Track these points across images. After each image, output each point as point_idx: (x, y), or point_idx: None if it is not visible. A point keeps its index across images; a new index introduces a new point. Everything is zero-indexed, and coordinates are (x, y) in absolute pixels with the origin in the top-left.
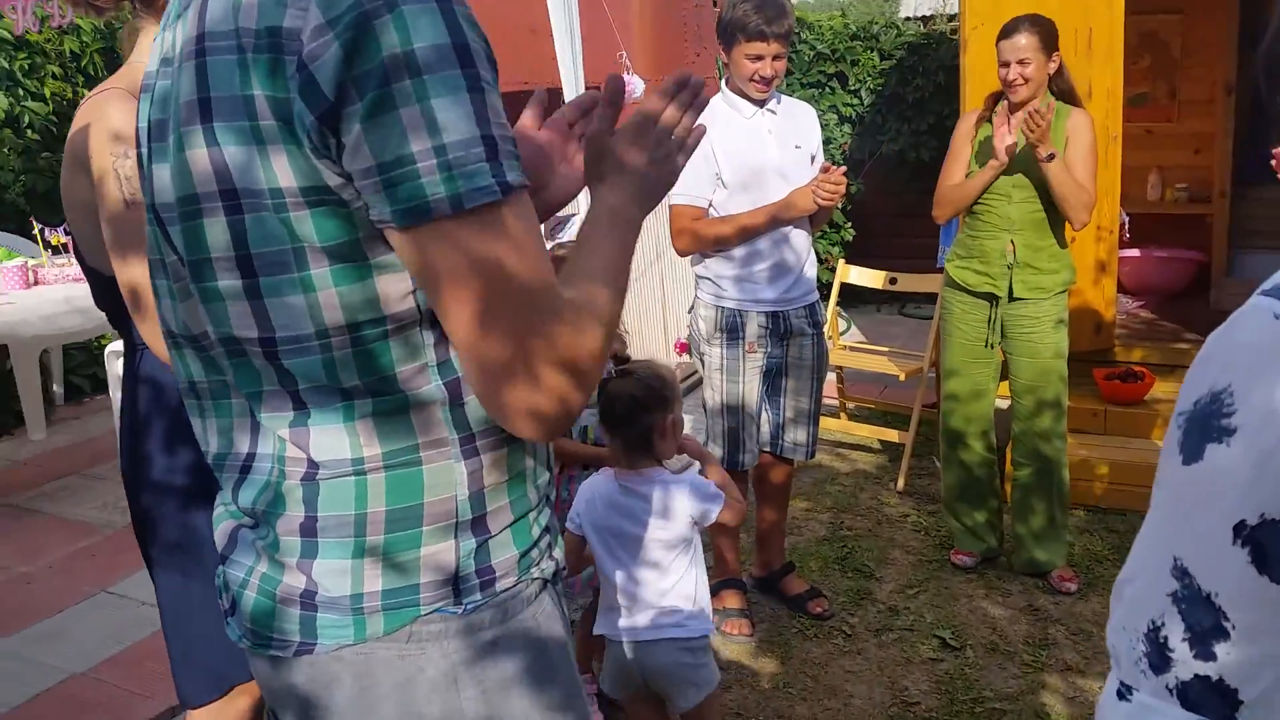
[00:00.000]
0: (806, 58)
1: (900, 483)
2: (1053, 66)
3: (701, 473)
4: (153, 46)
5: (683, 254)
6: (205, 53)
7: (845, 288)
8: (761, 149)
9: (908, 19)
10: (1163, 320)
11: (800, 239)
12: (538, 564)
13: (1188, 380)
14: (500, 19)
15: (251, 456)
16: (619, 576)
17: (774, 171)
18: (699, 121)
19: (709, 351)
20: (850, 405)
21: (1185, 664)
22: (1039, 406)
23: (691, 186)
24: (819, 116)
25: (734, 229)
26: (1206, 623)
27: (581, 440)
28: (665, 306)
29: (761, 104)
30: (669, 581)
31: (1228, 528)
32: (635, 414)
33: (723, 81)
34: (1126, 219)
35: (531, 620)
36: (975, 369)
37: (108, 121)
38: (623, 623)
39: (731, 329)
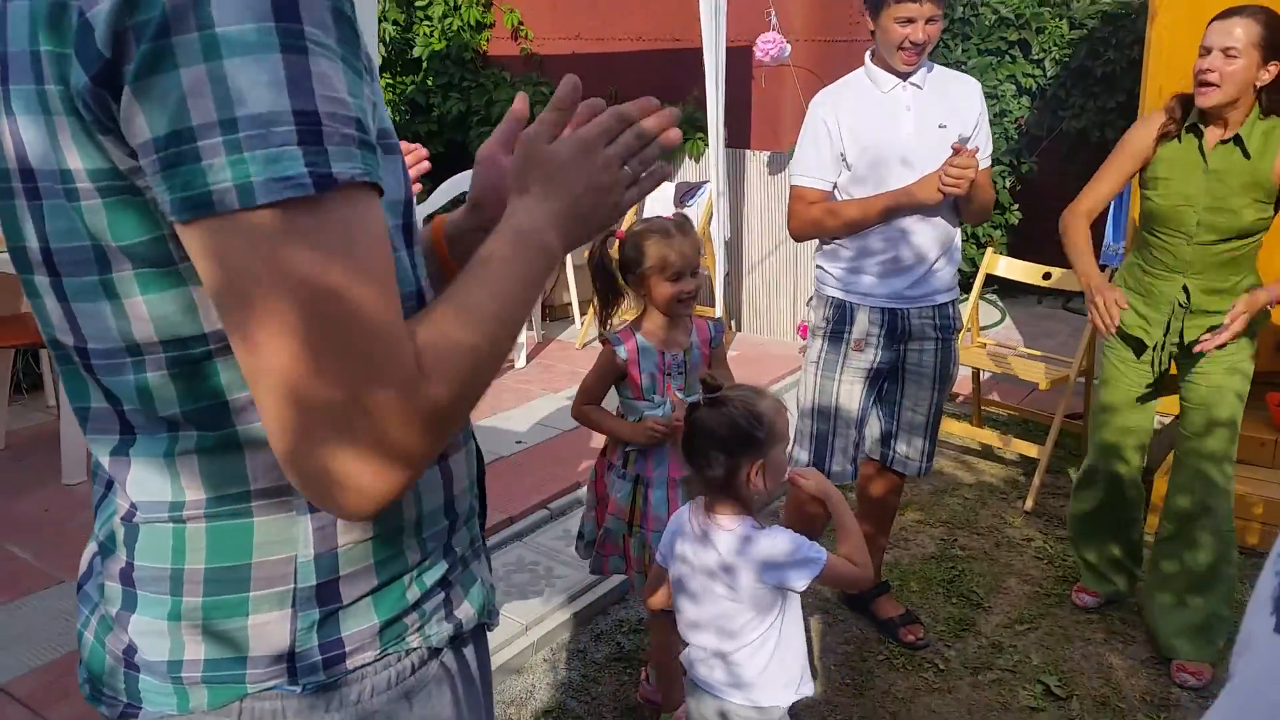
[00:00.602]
0: (988, 22)
1: (1029, 502)
2: (1267, 75)
3: (826, 531)
4: None
5: (797, 239)
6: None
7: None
8: (895, 128)
9: None
10: None
11: (927, 232)
12: (417, 631)
13: None
14: None
15: (110, 482)
16: (684, 622)
17: (903, 153)
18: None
19: (810, 344)
20: (985, 409)
21: None
22: (1209, 426)
23: (812, 167)
24: (995, 87)
25: (841, 221)
26: None
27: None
28: (797, 287)
29: (905, 76)
30: (731, 645)
31: None
32: (717, 454)
33: (868, 54)
34: None
35: (396, 703)
36: (1135, 374)
37: None
38: (690, 664)
39: (838, 322)
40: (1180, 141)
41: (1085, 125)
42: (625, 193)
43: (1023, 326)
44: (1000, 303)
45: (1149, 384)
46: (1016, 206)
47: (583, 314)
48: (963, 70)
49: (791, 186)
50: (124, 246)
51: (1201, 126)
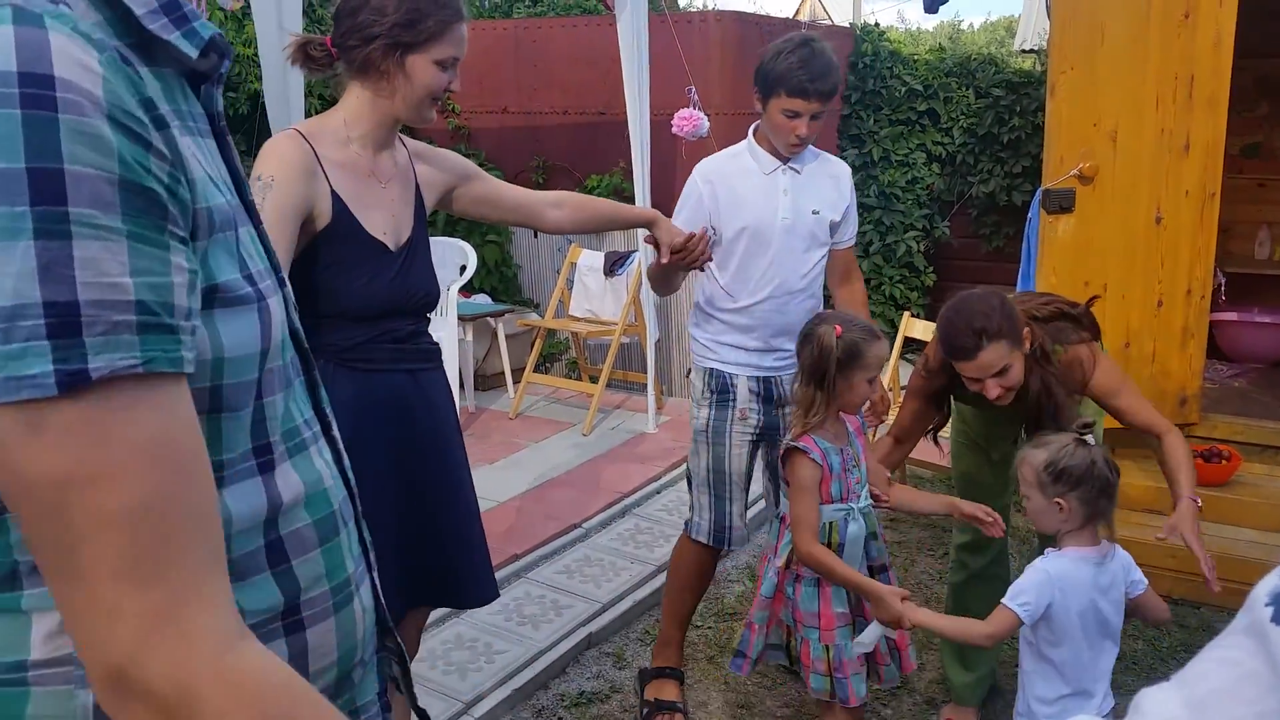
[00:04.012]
0: (898, 93)
1: None
2: (1026, 347)
3: None
4: None
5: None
6: None
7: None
8: (772, 210)
9: (1025, 51)
10: (1257, 393)
11: (796, 311)
12: None
13: None
14: (568, 48)
15: None
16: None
17: (775, 236)
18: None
19: (696, 413)
20: (910, 467)
21: None
22: None
23: (686, 225)
24: (906, 155)
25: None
26: None
27: (869, 530)
28: None
29: (785, 160)
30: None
31: None
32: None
33: (752, 129)
34: (1223, 280)
35: None
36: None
37: (271, 151)
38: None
39: (721, 391)
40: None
41: (993, 189)
42: None
43: None
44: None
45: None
46: (931, 269)
47: (515, 382)
48: (875, 140)
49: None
50: None
51: None
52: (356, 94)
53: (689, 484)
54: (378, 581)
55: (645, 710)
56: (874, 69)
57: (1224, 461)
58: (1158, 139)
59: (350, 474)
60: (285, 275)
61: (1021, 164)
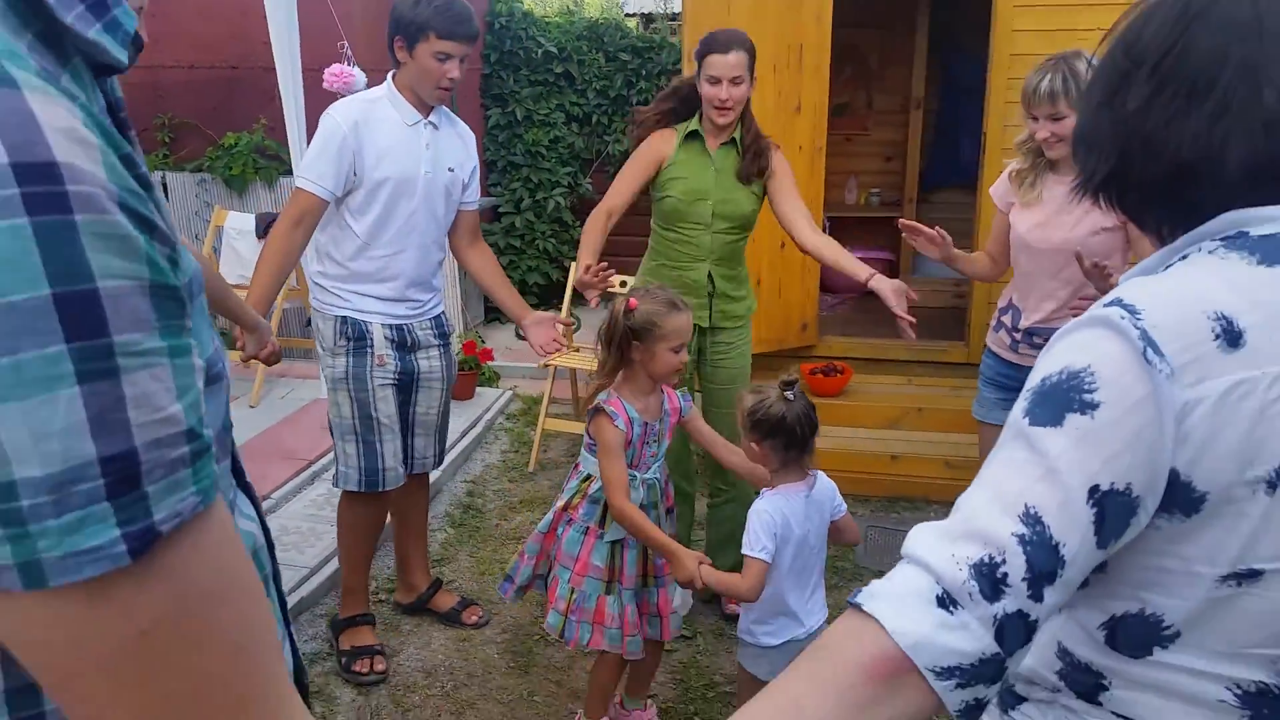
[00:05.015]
0: (535, 55)
1: None
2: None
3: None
4: None
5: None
6: None
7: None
8: (415, 164)
9: (629, 15)
10: (857, 317)
11: (434, 259)
12: None
13: (1037, 366)
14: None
15: None
16: (799, 581)
17: (417, 190)
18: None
19: (332, 363)
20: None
21: (1016, 598)
22: (733, 432)
23: (323, 176)
24: (547, 115)
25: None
26: (1047, 567)
27: (648, 501)
28: None
29: (427, 114)
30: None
31: (1085, 488)
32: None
33: (391, 76)
34: (828, 223)
35: None
36: None
37: None
38: (798, 631)
39: (358, 339)
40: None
41: (627, 148)
42: None
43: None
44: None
45: (689, 375)
46: (579, 223)
47: None
48: (517, 100)
49: (296, 188)
50: None
51: (702, 133)
52: None
53: (331, 434)
54: (294, 636)
55: (344, 659)
56: (510, 29)
57: (839, 375)
58: (776, 101)
59: (268, 526)
60: None
61: None
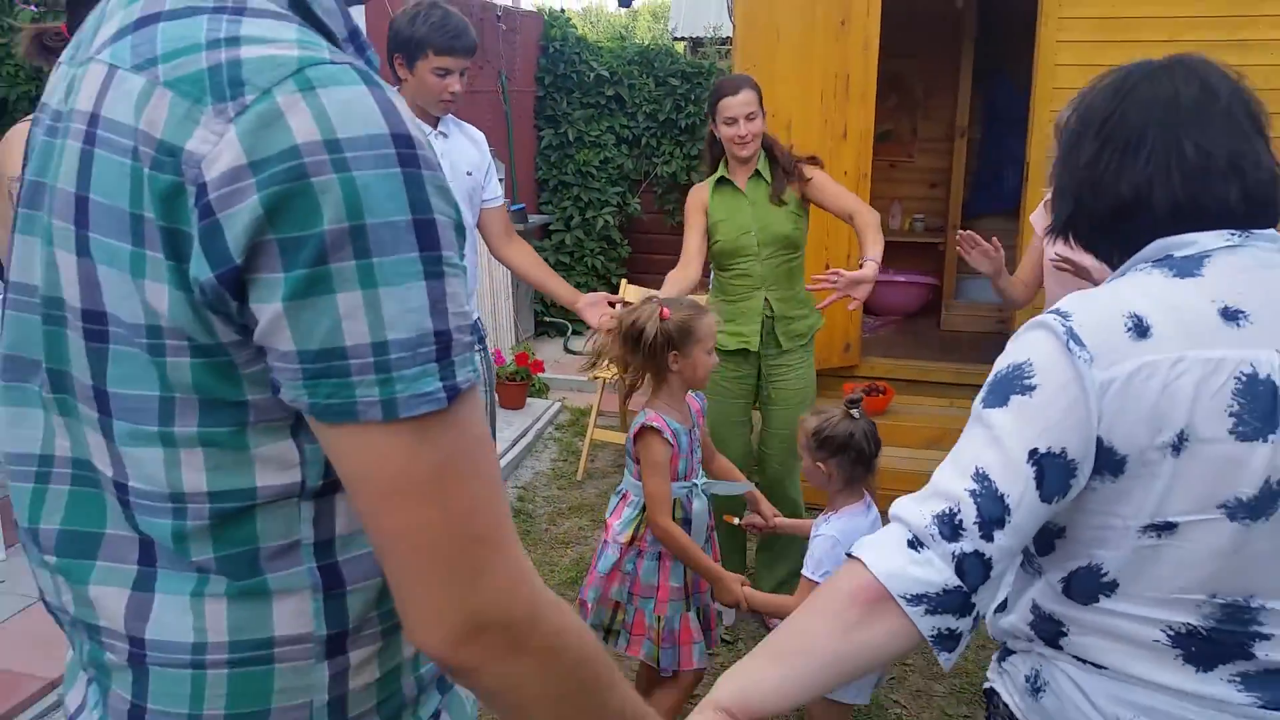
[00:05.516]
0: (588, 79)
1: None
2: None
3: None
4: (55, 73)
5: None
6: (95, 141)
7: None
8: None
9: (678, 39)
10: (900, 339)
11: (470, 261)
12: None
13: (995, 368)
14: None
15: (90, 614)
16: None
17: None
18: None
19: None
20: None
21: (971, 539)
22: (788, 453)
23: None
24: (598, 137)
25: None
26: (995, 514)
27: (684, 514)
28: None
29: (434, 125)
30: None
31: (1025, 451)
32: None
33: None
34: None
35: None
36: (737, 386)
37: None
38: None
39: None
40: (724, 188)
41: (675, 169)
42: None
43: None
44: None
45: (750, 399)
46: (626, 242)
47: None
48: (569, 122)
49: None
50: (203, 401)
51: (729, 176)
52: None
53: None
54: None
55: None
56: (563, 54)
57: (881, 395)
58: (822, 128)
59: None
60: None
61: (698, 147)
